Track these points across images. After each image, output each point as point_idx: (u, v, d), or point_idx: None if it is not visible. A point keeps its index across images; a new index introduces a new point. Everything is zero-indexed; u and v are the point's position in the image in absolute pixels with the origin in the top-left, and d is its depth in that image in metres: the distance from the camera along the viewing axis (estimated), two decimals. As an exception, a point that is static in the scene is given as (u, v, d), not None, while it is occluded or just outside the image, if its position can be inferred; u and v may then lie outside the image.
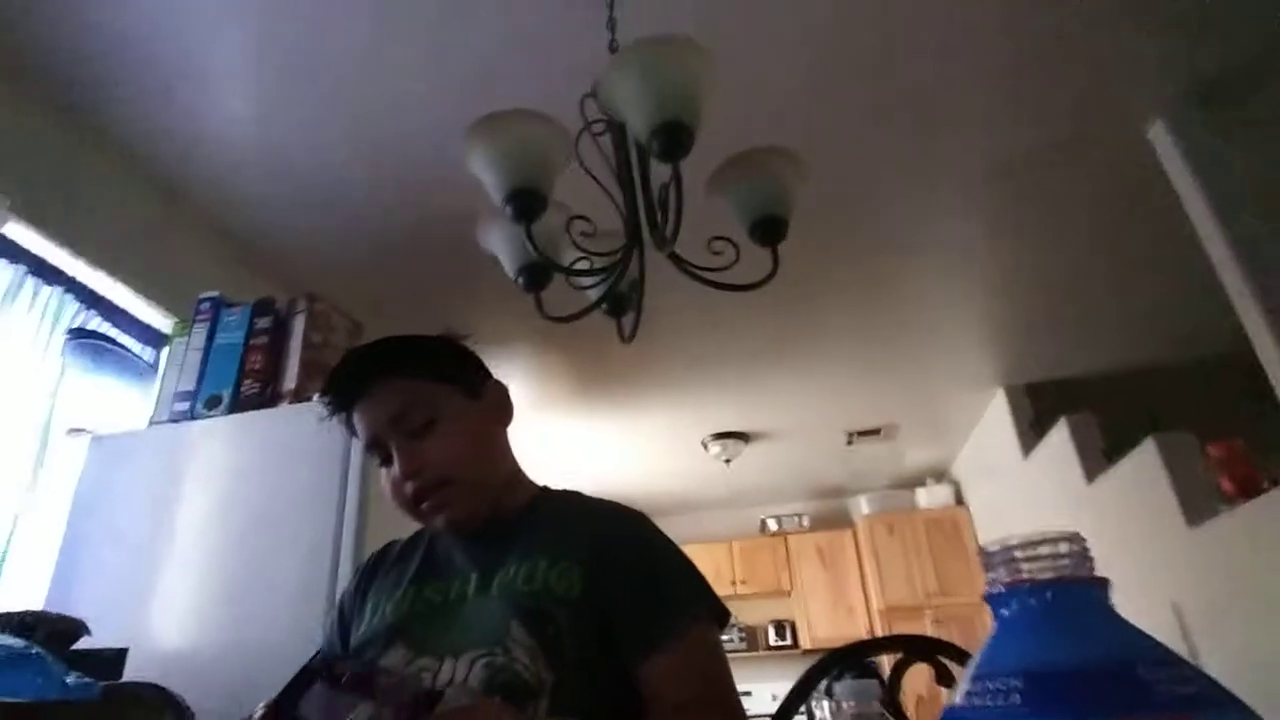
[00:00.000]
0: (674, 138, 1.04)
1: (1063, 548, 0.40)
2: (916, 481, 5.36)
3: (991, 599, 0.41)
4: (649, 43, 1.06)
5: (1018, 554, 0.41)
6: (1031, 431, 3.87)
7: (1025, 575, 0.40)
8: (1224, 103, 2.13)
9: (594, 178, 1.27)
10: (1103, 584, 0.40)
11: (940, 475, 5.36)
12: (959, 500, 5.15)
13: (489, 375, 0.99)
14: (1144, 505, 2.88)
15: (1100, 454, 3.29)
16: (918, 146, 2.31)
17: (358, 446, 1.49)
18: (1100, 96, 2.15)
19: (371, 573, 0.99)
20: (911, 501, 5.27)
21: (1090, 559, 0.41)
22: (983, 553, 0.42)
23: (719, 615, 0.87)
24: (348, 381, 0.91)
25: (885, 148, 2.31)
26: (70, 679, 0.77)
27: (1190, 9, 1.88)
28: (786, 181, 1.24)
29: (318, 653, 0.69)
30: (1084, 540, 0.40)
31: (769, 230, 1.22)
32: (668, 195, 1.19)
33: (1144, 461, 2.87)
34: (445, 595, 0.87)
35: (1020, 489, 4.07)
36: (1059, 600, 0.38)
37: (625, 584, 0.82)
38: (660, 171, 1.20)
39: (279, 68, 1.89)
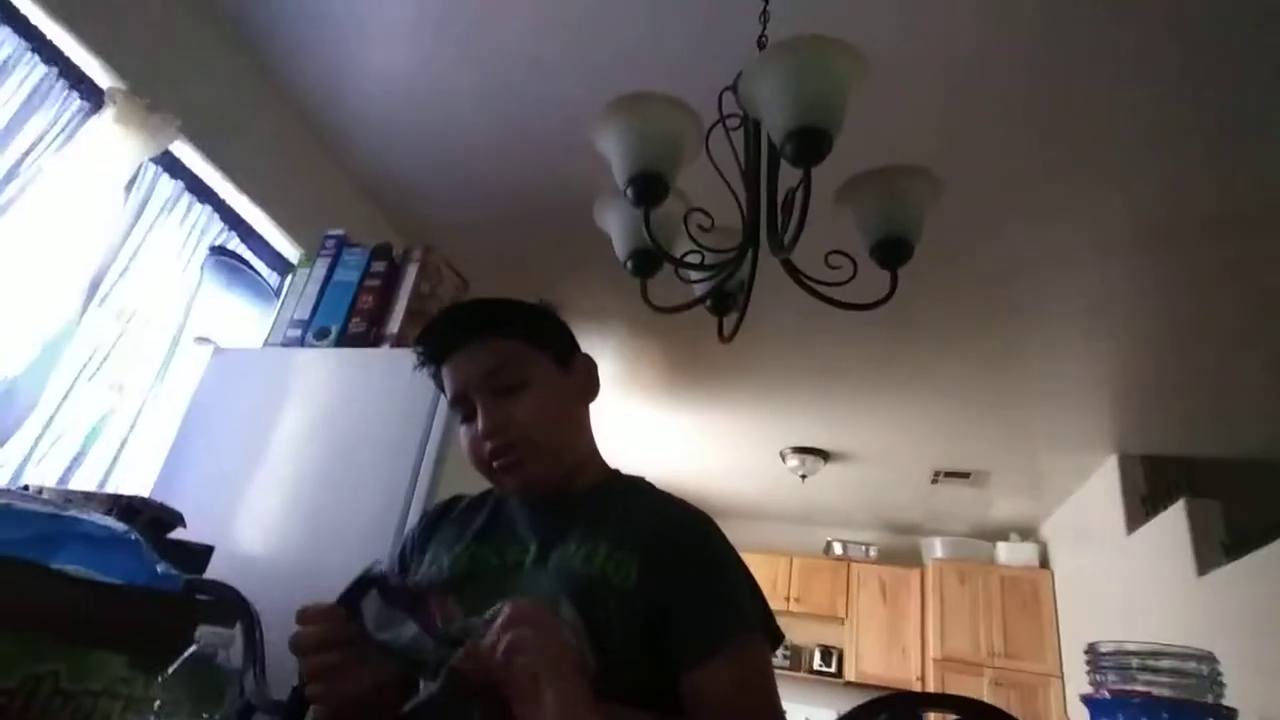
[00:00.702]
0: (811, 143, 1.00)
1: (1190, 665, 0.35)
2: (999, 534, 5.07)
3: (1093, 704, 0.37)
4: (798, 43, 1.02)
5: (1135, 661, 0.36)
6: (1141, 508, 3.56)
7: (1141, 687, 0.35)
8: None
9: (720, 172, 1.24)
10: (1231, 715, 0.35)
11: (1027, 533, 5.04)
12: (1043, 563, 4.83)
13: (579, 349, 0.99)
14: (1263, 612, 2.61)
15: (1219, 546, 2.99)
16: (1064, 187, 2.16)
17: (443, 401, 1.56)
18: (1271, 167, 1.94)
19: (435, 522, 1.00)
20: (990, 554, 4.99)
21: (1221, 684, 0.35)
22: (1092, 651, 0.38)
23: (774, 636, 0.84)
24: (445, 334, 0.92)
25: (1028, 182, 2.17)
26: (160, 567, 0.83)
27: None
28: (920, 204, 1.17)
29: (375, 562, 0.71)
30: (1217, 662, 0.35)
31: (893, 252, 1.16)
32: (793, 200, 1.15)
33: (1269, 562, 2.59)
34: (502, 559, 0.88)
35: (1117, 567, 3.76)
36: (1179, 728, 0.33)
37: (684, 586, 0.80)
38: (788, 175, 1.16)
39: (435, 25, 1.95)
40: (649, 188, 1.05)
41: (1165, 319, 2.69)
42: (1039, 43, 1.74)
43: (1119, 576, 3.75)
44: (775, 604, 5.11)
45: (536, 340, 0.93)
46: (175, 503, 1.42)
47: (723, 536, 0.89)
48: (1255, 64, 1.70)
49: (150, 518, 1.31)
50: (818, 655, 5.23)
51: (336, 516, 1.54)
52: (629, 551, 0.81)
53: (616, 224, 1.23)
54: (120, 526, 0.84)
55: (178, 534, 1.37)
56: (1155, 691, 0.35)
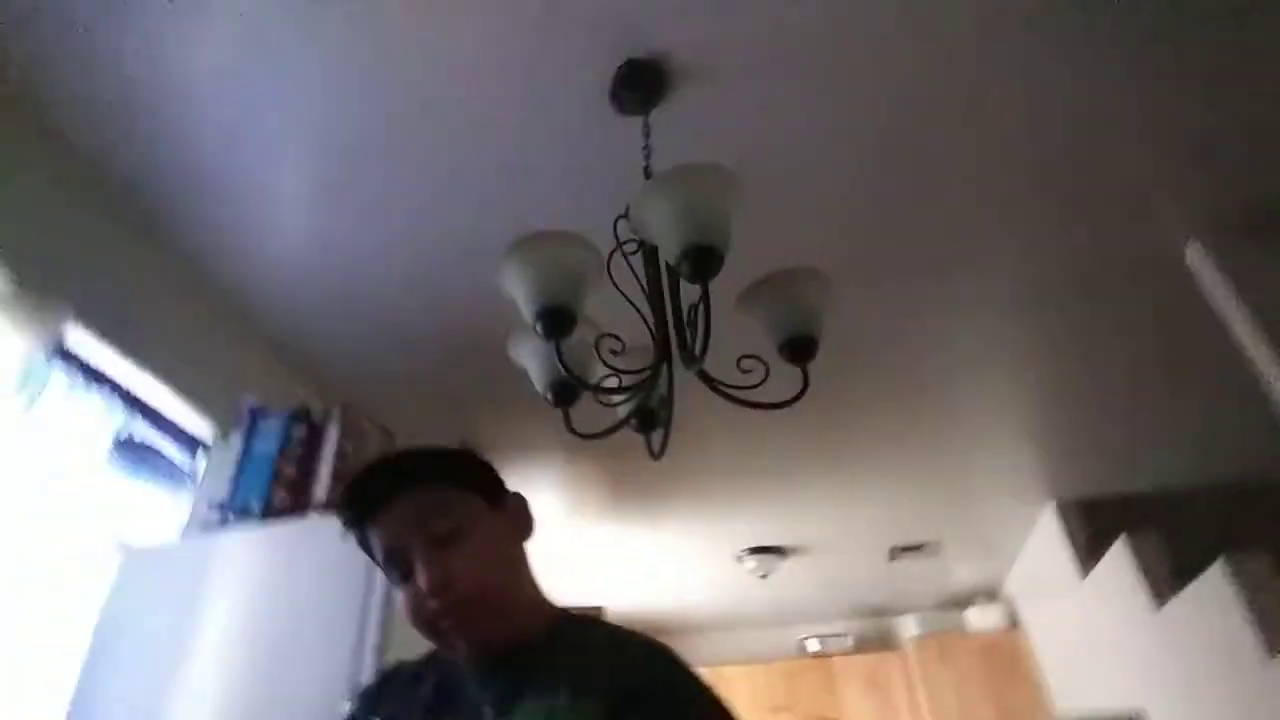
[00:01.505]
0: (703, 261, 1.07)
1: None
2: (966, 601, 5.05)
3: None
4: (681, 171, 1.10)
5: None
6: (1086, 550, 3.65)
7: None
8: (1265, 226, 2.13)
9: (625, 295, 1.30)
10: None
11: (991, 595, 5.05)
12: (1014, 622, 4.82)
13: (506, 487, 0.95)
14: (1218, 633, 2.66)
15: (1168, 576, 3.07)
16: (954, 269, 2.34)
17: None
18: (1138, 219, 2.17)
19: (377, 700, 0.93)
20: (962, 623, 4.95)
21: None
22: None
23: None
24: (366, 492, 0.87)
25: (920, 268, 2.33)
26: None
27: (1226, 135, 1.91)
28: (815, 301, 1.25)
29: None
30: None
31: (799, 349, 1.22)
32: (696, 314, 1.20)
33: (1214, 585, 2.67)
34: None
35: (1079, 613, 3.80)
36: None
37: None
38: (690, 291, 1.22)
39: (335, 188, 2.01)
40: (556, 320, 1.09)
41: (1071, 371, 2.86)
42: (908, 136, 1.92)
43: (1083, 623, 3.78)
44: (761, 716, 4.92)
45: (463, 484, 0.89)
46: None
47: (688, 672, 0.84)
48: (1116, 131, 1.90)
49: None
50: (814, 765, 4.95)
51: (276, 711, 1.41)
52: (592, 700, 0.77)
53: (531, 358, 1.26)
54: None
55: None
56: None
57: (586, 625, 0.92)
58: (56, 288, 1.74)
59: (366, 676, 1.38)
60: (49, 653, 1.69)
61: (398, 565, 0.85)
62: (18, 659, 1.65)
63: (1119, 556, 3.31)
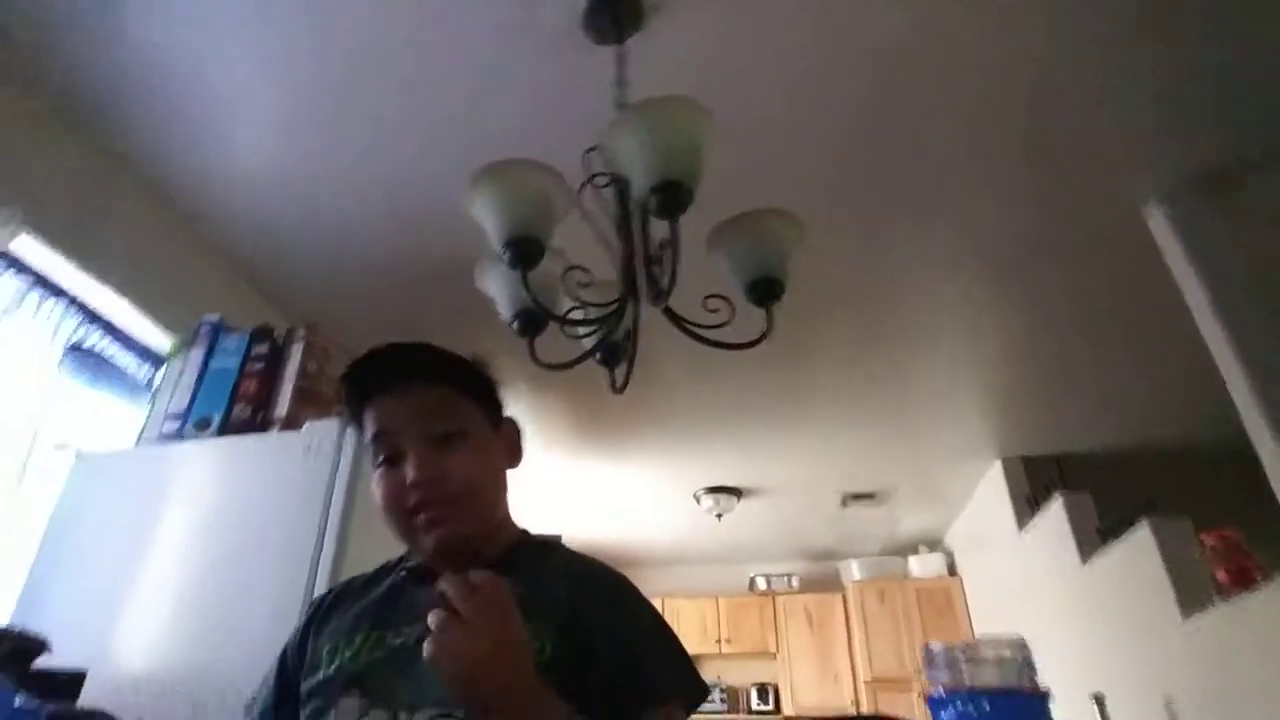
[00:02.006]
0: (673, 196, 1.07)
1: (1007, 653, 0.40)
2: (909, 549, 5.28)
3: (932, 702, 0.40)
4: (653, 103, 1.09)
5: (960, 656, 0.40)
6: (1028, 506, 3.82)
7: (966, 681, 0.39)
8: (1222, 188, 2.17)
9: (594, 229, 1.29)
10: (1043, 698, 0.39)
11: (934, 544, 5.28)
12: (952, 571, 5.06)
13: (504, 409, 0.95)
14: (1138, 591, 2.83)
15: (1096, 534, 3.25)
16: (919, 225, 2.37)
17: (341, 479, 1.50)
18: (1098, 181, 2.20)
19: (327, 613, 0.93)
20: (904, 569, 5.19)
21: (1032, 667, 0.40)
22: (926, 651, 0.41)
23: (696, 695, 0.82)
24: (381, 368, 0.85)
25: (886, 221, 2.35)
26: (19, 701, 0.75)
27: (1189, 96, 1.93)
28: (785, 243, 1.26)
29: None
30: (1027, 648, 0.40)
31: (765, 290, 1.23)
32: (664, 251, 1.21)
33: (1139, 545, 2.83)
34: (407, 640, 0.81)
35: (1014, 564, 4.00)
36: (998, 710, 0.37)
37: (599, 650, 0.77)
38: (660, 227, 1.22)
39: (295, 99, 1.94)
40: (524, 250, 1.09)
41: (1024, 332, 2.94)
42: (879, 82, 1.91)
43: (1016, 573, 3.99)
44: (707, 647, 5.16)
45: (474, 393, 0.89)
46: (42, 626, 1.29)
47: (640, 597, 0.86)
48: (1079, 81, 1.90)
49: (10, 648, 1.18)
50: (754, 694, 5.22)
51: (229, 621, 1.43)
52: (542, 622, 0.77)
53: (498, 287, 1.26)
54: (-31, 660, 0.76)
55: (46, 660, 1.25)
56: (979, 682, 0.39)
57: (546, 547, 0.93)
58: (4, 194, 1.68)
59: (320, 590, 1.41)
60: (2, 549, 1.70)
61: (385, 448, 0.84)
62: (-31, 558, 1.65)
63: (1054, 513, 3.48)
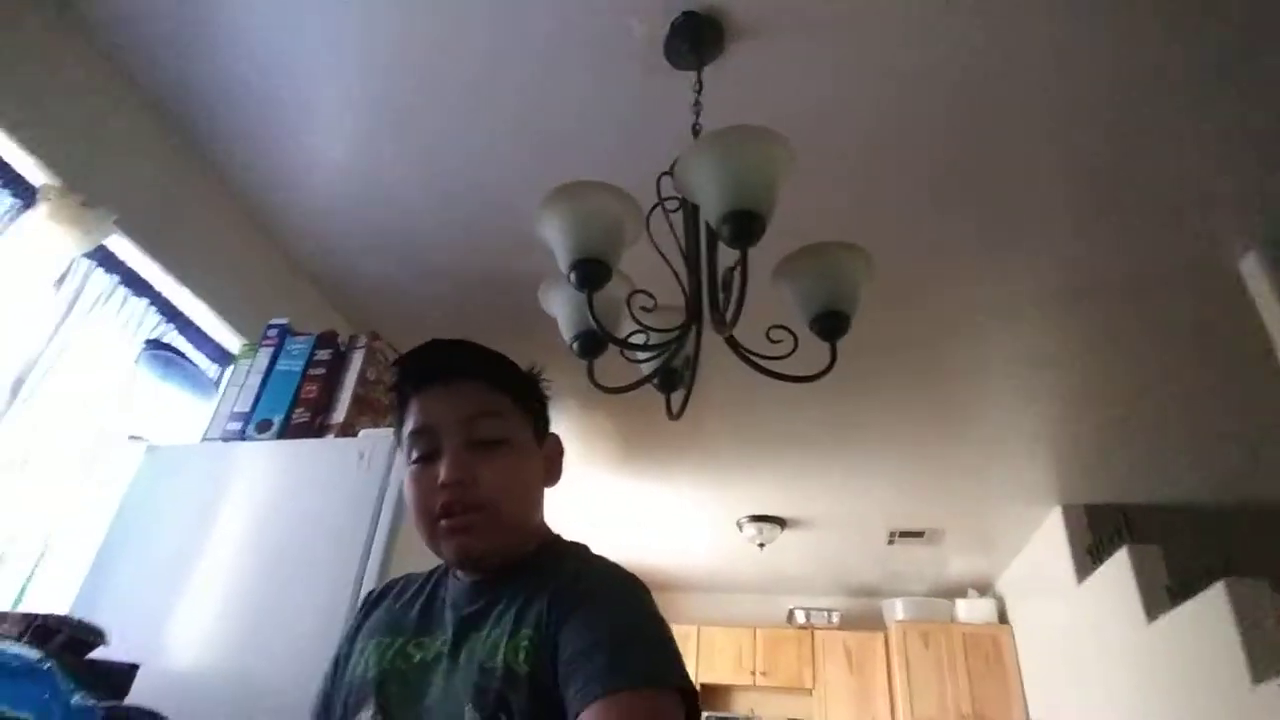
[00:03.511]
0: (745, 225, 1.05)
1: None
2: (957, 592, 5.09)
3: None
4: (733, 131, 1.08)
5: None
6: (1089, 556, 3.64)
7: None
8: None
9: (661, 254, 1.28)
10: None
11: (984, 589, 5.08)
12: (1002, 618, 4.86)
13: (549, 426, 0.93)
14: (1207, 653, 2.67)
15: (1164, 591, 3.07)
16: (996, 253, 2.30)
17: (392, 489, 1.52)
18: (1194, 225, 2.11)
19: (371, 608, 0.92)
20: (950, 612, 5.00)
21: None
22: None
23: (667, 682, 0.68)
24: (435, 362, 0.84)
25: (962, 248, 2.29)
26: (76, 699, 0.77)
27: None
28: (854, 278, 1.23)
29: None
30: None
31: (831, 325, 1.20)
32: (732, 279, 1.19)
33: (1211, 606, 2.66)
34: (424, 653, 0.79)
35: (1071, 617, 3.82)
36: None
37: (578, 640, 0.69)
38: (727, 254, 1.21)
39: (374, 114, 2.00)
40: (592, 272, 1.08)
41: (1097, 374, 2.83)
42: (960, 113, 1.86)
43: (1073, 627, 3.80)
44: (741, 678, 5.05)
45: (524, 403, 0.86)
46: (101, 616, 1.32)
47: (632, 590, 0.77)
48: (1174, 125, 1.84)
49: (68, 637, 1.21)
50: (788, 731, 5.08)
51: (277, 621, 1.45)
52: (530, 629, 0.73)
53: (561, 307, 1.25)
54: (33, 655, 0.78)
55: (101, 652, 1.28)
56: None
57: (567, 551, 0.87)
58: (102, 194, 1.77)
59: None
60: (69, 537, 1.76)
61: (423, 444, 0.82)
62: (39, 541, 1.71)
63: (1119, 566, 3.31)
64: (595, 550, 0.88)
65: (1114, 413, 3.05)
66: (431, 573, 0.93)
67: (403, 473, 1.49)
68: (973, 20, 1.61)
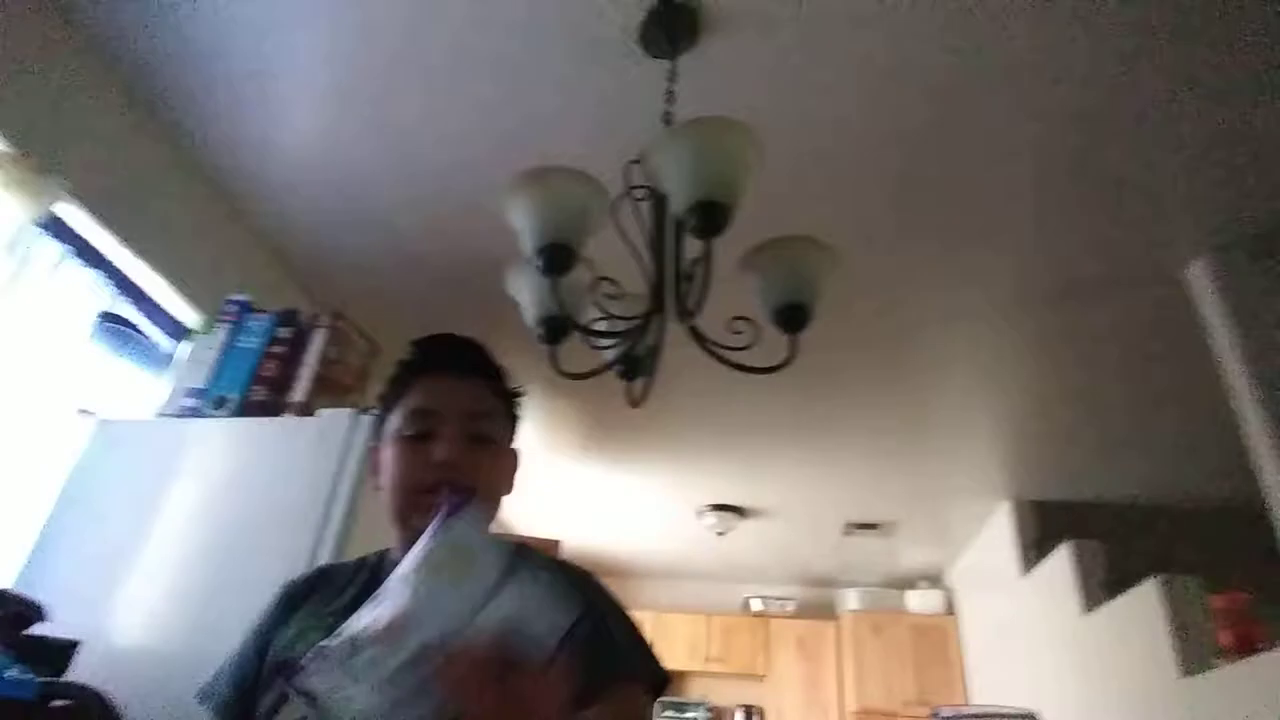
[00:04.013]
0: (711, 217, 1.07)
1: None
2: (908, 583, 5.23)
3: None
4: (703, 122, 1.09)
5: None
6: (1034, 550, 3.77)
7: None
8: (1267, 250, 2.15)
9: (628, 241, 1.29)
10: None
11: (935, 580, 5.23)
12: (950, 609, 5.01)
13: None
14: (1139, 646, 2.78)
15: (1100, 585, 3.20)
16: (953, 256, 2.35)
17: (349, 470, 1.50)
18: (1146, 231, 2.18)
19: (303, 595, 0.93)
20: (901, 603, 5.13)
21: None
22: (935, 714, 0.40)
23: (658, 680, 0.84)
24: (452, 353, 0.92)
25: (926, 247, 2.34)
26: (11, 672, 0.75)
27: (1241, 156, 1.91)
28: (817, 272, 1.26)
29: None
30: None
31: (792, 317, 1.23)
32: (696, 269, 1.21)
33: (1144, 601, 2.78)
34: None
35: (1015, 608, 3.95)
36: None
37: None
38: (693, 245, 1.22)
39: (343, 89, 1.96)
40: (557, 257, 1.09)
41: (1049, 375, 2.91)
42: (931, 111, 1.90)
43: (1016, 618, 3.93)
44: (696, 664, 5.13)
45: (510, 414, 0.96)
46: (43, 593, 1.30)
47: (602, 586, 0.90)
48: (1135, 134, 1.89)
49: (6, 612, 1.19)
50: (740, 716, 5.17)
51: (224, 604, 1.43)
52: None
53: (526, 292, 1.26)
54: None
55: (42, 628, 1.25)
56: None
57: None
58: (55, 160, 1.71)
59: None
60: (13, 511, 1.71)
61: (420, 423, 0.87)
62: (-19, 515, 1.66)
63: (1061, 559, 3.43)
64: (562, 548, 0.98)
65: (1064, 412, 3.15)
66: (362, 561, 0.95)
67: (360, 453, 1.50)
68: (949, 19, 1.64)
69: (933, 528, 4.49)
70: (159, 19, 1.79)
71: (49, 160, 1.70)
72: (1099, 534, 3.43)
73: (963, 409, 3.24)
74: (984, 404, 3.18)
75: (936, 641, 4.83)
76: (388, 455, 0.88)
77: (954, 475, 3.83)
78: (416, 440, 0.86)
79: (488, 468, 0.87)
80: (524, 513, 1.14)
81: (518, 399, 0.98)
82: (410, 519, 0.85)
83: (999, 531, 4.10)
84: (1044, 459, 3.57)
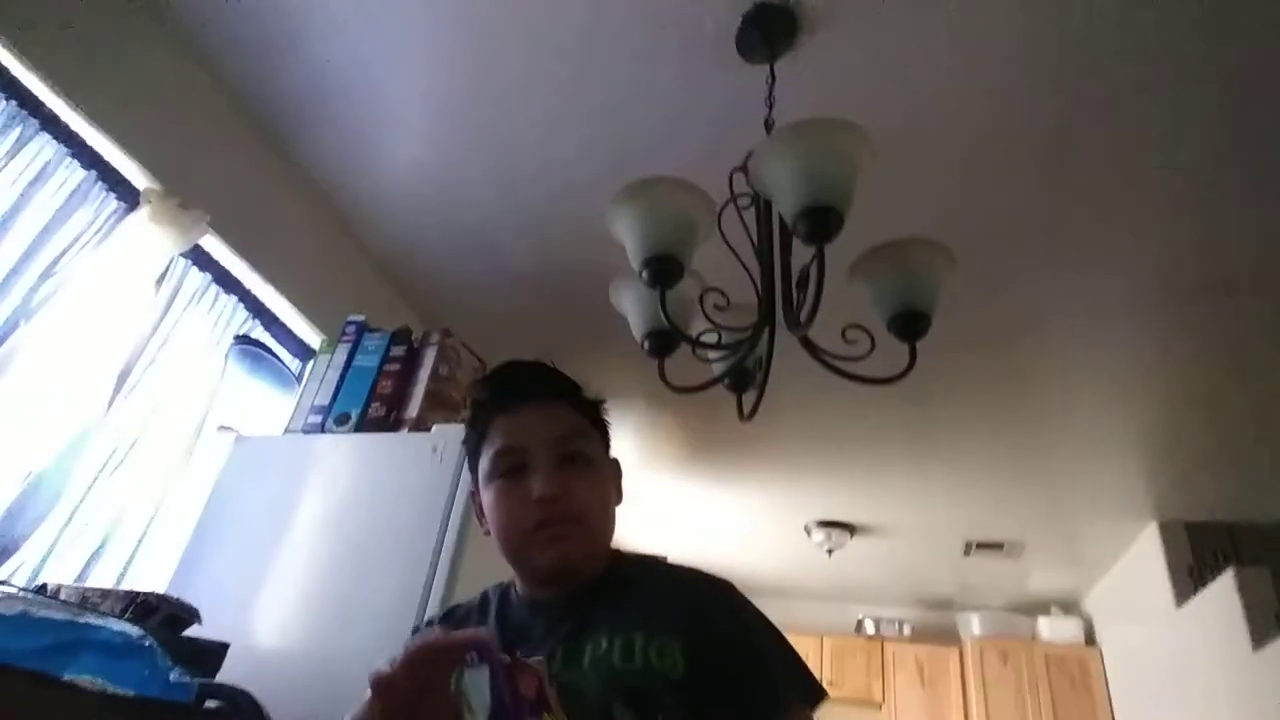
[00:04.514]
0: (821, 222, 1.02)
1: None
2: (1040, 609, 4.84)
3: None
4: (809, 124, 1.05)
5: None
6: (1189, 578, 3.40)
7: None
8: None
9: (734, 251, 1.26)
10: None
11: (1069, 607, 4.81)
12: (1089, 639, 4.59)
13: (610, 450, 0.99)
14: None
15: (1274, 617, 2.84)
16: (1087, 253, 2.16)
17: (464, 482, 1.54)
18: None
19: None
20: (1031, 630, 4.75)
21: None
22: None
23: (817, 696, 0.83)
24: (521, 383, 0.89)
25: (1051, 247, 2.17)
26: (173, 675, 0.80)
27: None
28: (935, 276, 1.18)
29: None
30: None
31: (909, 325, 1.15)
32: (807, 277, 1.16)
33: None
34: None
35: (1169, 642, 3.57)
36: None
37: (728, 663, 0.77)
38: (801, 251, 1.17)
39: (454, 115, 2.04)
40: (664, 269, 1.07)
41: (1200, 378, 2.63)
42: (1061, 108, 1.77)
43: (1170, 652, 3.55)
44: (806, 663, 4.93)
45: (598, 426, 0.93)
46: (193, 596, 1.40)
47: (749, 602, 0.87)
48: None
49: (166, 615, 1.28)
50: (856, 745, 4.94)
51: (352, 608, 1.50)
52: (670, 636, 0.77)
53: (633, 305, 1.24)
54: (135, 632, 0.82)
55: (194, 630, 1.34)
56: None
57: (646, 563, 0.93)
58: (197, 196, 1.87)
59: (438, 584, 1.45)
60: (167, 521, 1.86)
61: (510, 461, 0.85)
62: (140, 524, 1.82)
63: (1223, 589, 3.08)
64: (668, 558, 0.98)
65: (1219, 423, 2.83)
66: (484, 599, 0.95)
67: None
68: (1065, 10, 1.52)
69: (1065, 549, 4.14)
70: (277, 53, 1.91)
71: (192, 195, 1.85)
72: (1266, 559, 3.05)
73: (1097, 417, 2.96)
74: (1122, 412, 2.90)
75: (1075, 675, 4.43)
76: (488, 499, 0.87)
77: (1088, 491, 3.52)
78: (511, 478, 0.85)
79: (589, 489, 0.86)
80: (627, 529, 1.14)
81: (601, 409, 0.95)
82: (525, 559, 0.85)
83: (1146, 555, 3.73)
84: (1197, 474, 3.22)
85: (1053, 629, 4.67)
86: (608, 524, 0.90)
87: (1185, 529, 3.53)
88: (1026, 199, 2.03)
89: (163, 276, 1.90)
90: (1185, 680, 3.38)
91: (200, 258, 2.05)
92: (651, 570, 0.91)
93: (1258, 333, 2.35)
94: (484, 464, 0.89)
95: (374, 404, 1.75)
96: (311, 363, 2.04)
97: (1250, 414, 2.74)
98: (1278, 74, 1.62)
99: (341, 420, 1.75)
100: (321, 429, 1.75)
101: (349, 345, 1.86)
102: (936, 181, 2.00)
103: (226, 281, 2.13)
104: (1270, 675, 2.77)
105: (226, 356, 2.04)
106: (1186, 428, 2.92)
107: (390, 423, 1.72)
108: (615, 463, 0.97)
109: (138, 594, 1.30)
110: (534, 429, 0.86)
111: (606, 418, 0.96)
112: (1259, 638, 2.84)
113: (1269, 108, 1.69)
